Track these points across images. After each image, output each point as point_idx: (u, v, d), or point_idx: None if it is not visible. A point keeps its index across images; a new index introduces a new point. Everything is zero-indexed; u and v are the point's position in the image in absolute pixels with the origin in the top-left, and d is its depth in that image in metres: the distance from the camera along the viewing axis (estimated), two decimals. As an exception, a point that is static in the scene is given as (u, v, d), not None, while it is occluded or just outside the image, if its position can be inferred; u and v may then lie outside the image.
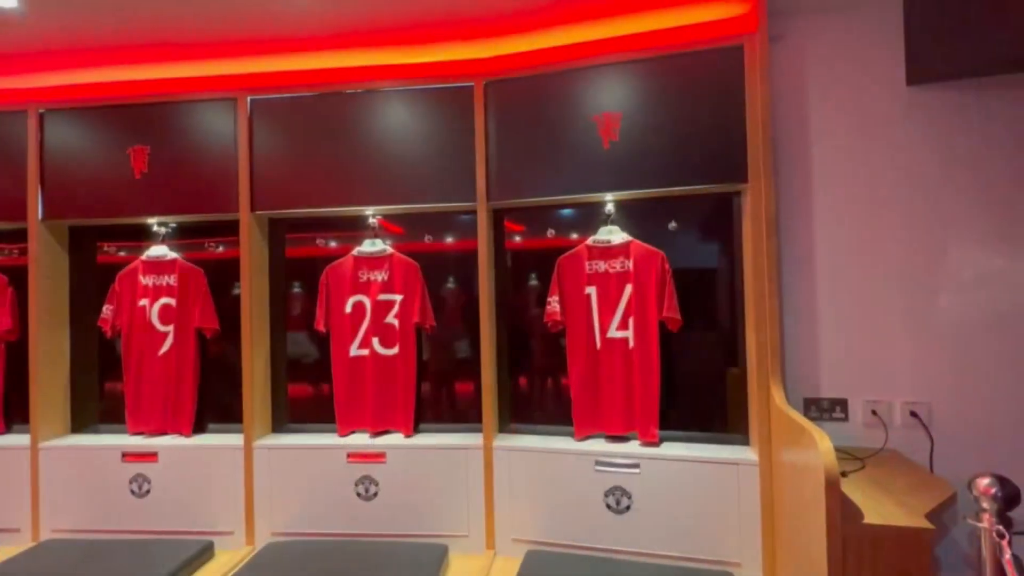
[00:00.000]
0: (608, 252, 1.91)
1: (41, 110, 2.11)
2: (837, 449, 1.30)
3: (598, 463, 1.81)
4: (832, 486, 1.20)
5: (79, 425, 2.24)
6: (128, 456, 2.04)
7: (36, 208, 2.10)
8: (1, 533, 2.05)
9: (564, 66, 1.87)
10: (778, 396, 1.63)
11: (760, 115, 1.68)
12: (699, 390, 1.94)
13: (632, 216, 1.96)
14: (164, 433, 2.14)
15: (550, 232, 2.06)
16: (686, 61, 1.77)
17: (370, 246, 2.09)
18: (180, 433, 2.13)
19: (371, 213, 2.10)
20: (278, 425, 2.17)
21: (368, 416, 2.06)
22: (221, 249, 2.23)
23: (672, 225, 1.93)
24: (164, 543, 1.91)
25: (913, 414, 1.77)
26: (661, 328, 1.87)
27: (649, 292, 1.87)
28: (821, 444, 1.24)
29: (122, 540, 1.95)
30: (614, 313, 1.91)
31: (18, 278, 2.19)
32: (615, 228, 1.92)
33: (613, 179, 1.83)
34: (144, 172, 2.08)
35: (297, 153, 2.03)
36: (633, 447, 1.84)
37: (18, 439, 2.13)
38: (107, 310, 2.15)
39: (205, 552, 1.90)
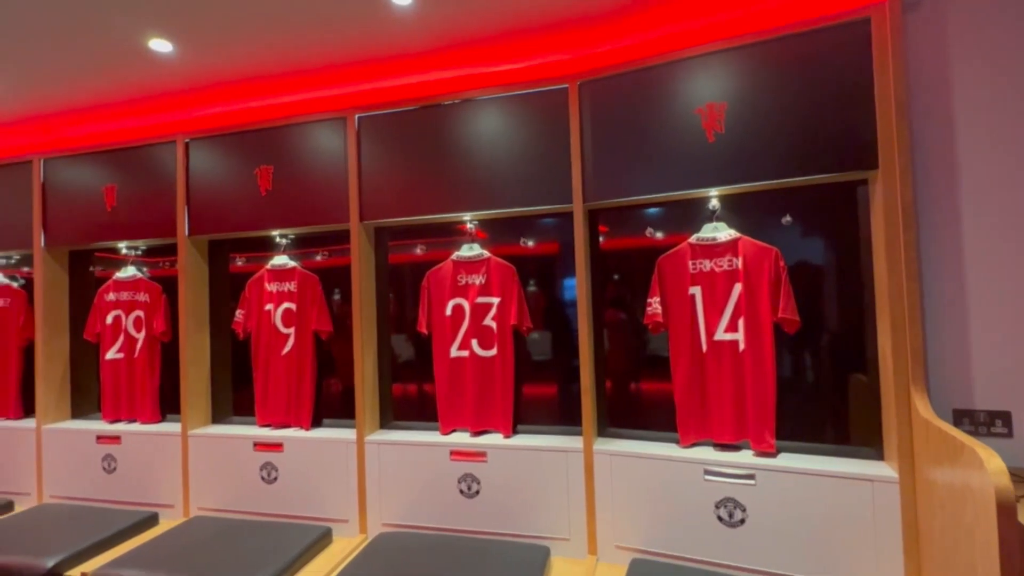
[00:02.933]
0: (714, 250, 1.82)
1: (186, 140, 2.41)
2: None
3: (707, 472, 1.72)
4: (1007, 512, 1.05)
5: (218, 416, 2.53)
6: (259, 445, 2.27)
7: (184, 225, 2.41)
8: (160, 508, 2.36)
9: (662, 59, 1.81)
10: (923, 407, 1.46)
11: (893, 93, 1.52)
12: (817, 397, 1.78)
13: (736, 211, 1.85)
14: (287, 426, 2.35)
15: (648, 231, 2.00)
16: (801, 41, 1.64)
17: (468, 250, 2.15)
18: (301, 426, 2.33)
19: (469, 219, 2.16)
20: (384, 422, 2.30)
21: (468, 416, 2.12)
22: (319, 258, 2.41)
23: (786, 219, 1.79)
24: (290, 526, 2.09)
25: (1100, 432, 1.50)
26: (775, 330, 1.74)
27: (761, 292, 1.75)
28: (989, 463, 1.09)
29: (255, 521, 2.16)
30: (721, 314, 1.81)
31: (168, 287, 2.52)
32: (721, 224, 1.82)
33: (719, 173, 1.74)
34: (269, 190, 2.30)
35: (400, 164, 2.15)
36: (746, 456, 1.73)
37: (171, 427, 2.45)
38: (239, 314, 2.41)
39: (324, 538, 2.05)
